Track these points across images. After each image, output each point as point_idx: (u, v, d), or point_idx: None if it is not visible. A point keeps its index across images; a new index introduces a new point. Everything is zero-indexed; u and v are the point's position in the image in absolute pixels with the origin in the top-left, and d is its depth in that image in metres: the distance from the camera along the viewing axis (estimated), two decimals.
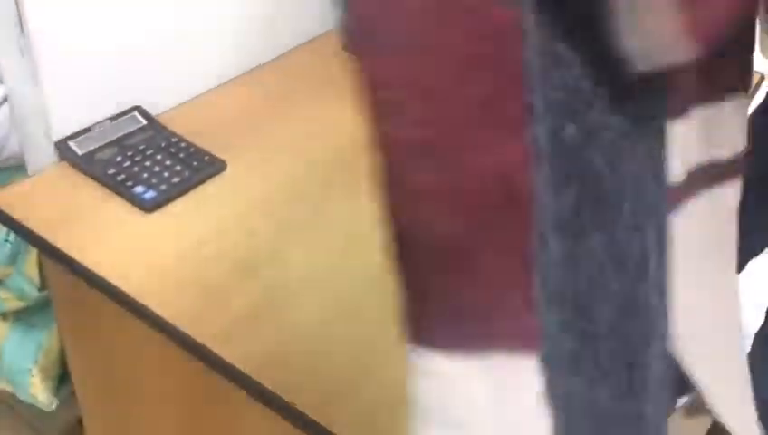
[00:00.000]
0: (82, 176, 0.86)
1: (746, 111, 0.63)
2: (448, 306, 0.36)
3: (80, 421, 1.11)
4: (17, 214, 0.81)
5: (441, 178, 0.34)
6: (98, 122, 0.91)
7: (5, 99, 0.96)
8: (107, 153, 0.87)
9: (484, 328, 0.36)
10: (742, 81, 0.61)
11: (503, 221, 0.35)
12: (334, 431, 0.63)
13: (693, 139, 0.58)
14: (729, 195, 0.63)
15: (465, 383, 0.36)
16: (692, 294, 0.58)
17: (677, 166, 0.55)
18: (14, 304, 1.12)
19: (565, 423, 0.40)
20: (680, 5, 0.41)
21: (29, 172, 0.97)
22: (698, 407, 1.28)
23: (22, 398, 1.17)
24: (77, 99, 0.92)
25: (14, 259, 1.08)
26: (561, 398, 0.39)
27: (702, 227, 0.61)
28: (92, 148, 0.88)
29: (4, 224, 0.83)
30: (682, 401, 1.28)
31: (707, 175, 0.62)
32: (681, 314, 0.55)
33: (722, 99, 0.59)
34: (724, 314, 0.63)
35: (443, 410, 0.36)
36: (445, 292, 0.35)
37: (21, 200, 0.82)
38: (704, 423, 1.26)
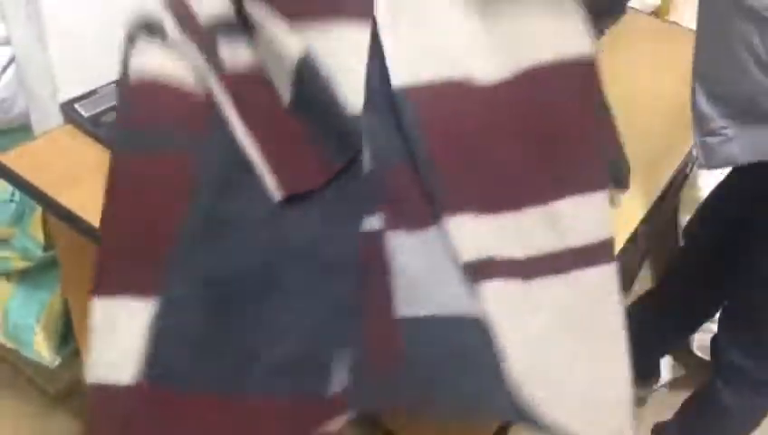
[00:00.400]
0: (87, 138, 0.88)
1: (603, 205, 0.71)
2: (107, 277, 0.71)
3: (82, 381, 1.13)
4: (23, 173, 0.82)
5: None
6: (103, 86, 0.93)
7: (12, 60, 0.98)
8: (112, 116, 0.89)
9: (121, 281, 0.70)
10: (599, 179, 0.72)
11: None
12: None
13: (524, 230, 0.70)
14: (594, 278, 0.68)
15: (104, 315, 0.69)
16: (564, 354, 0.68)
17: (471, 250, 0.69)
18: (19, 264, 1.14)
19: (166, 344, 0.67)
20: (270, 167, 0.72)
21: (35, 134, 0.99)
22: None
23: (27, 354, 1.19)
24: (83, 62, 0.93)
25: (18, 219, 1.10)
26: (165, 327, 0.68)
27: (564, 304, 0.69)
28: (98, 110, 0.90)
29: (11, 183, 0.85)
30: None
31: (557, 261, 0.70)
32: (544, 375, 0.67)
33: (563, 197, 0.71)
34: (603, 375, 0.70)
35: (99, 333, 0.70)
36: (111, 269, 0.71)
37: (27, 160, 0.84)
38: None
